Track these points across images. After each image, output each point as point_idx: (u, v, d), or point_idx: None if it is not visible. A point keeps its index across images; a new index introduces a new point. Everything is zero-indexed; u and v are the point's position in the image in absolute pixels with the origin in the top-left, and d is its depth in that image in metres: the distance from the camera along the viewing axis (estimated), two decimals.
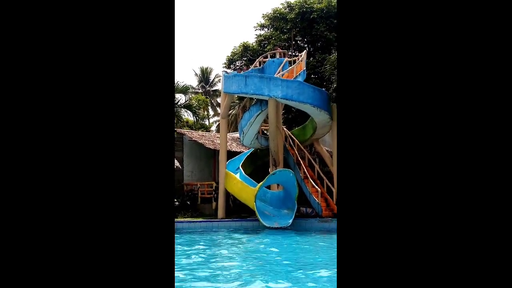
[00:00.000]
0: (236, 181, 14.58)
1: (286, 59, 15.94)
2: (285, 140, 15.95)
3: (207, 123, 30.28)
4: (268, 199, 14.45)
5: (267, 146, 15.42)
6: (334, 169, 15.02)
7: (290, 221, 12.86)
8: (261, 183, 13.28)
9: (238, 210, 15.59)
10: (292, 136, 16.38)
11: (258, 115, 14.81)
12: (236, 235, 11.66)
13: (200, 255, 8.01)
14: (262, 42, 21.58)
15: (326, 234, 11.45)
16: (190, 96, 24.63)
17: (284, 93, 13.59)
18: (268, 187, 14.91)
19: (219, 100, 29.57)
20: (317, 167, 15.22)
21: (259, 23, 21.80)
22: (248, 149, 17.39)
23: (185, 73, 57.77)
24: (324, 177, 14.51)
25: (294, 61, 15.67)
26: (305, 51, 16.71)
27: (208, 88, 33.86)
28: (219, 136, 16.80)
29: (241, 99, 19.60)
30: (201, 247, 9.31)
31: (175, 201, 15.67)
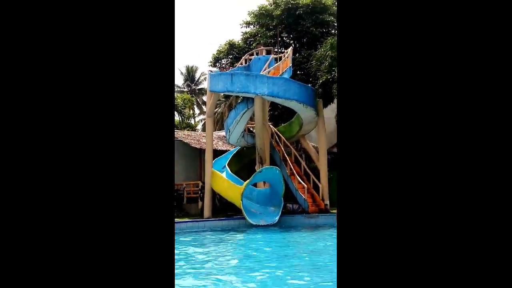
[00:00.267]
0: (222, 180, 14.42)
1: (272, 56, 15.83)
2: (271, 137, 15.84)
3: (192, 122, 30.05)
4: (255, 197, 14.33)
5: (254, 143, 15.28)
6: (320, 165, 14.96)
7: (277, 218, 12.75)
8: (247, 181, 13.15)
9: (224, 209, 15.43)
10: (279, 133, 16.28)
11: (245, 113, 14.69)
12: (224, 235, 11.50)
13: (190, 258, 7.83)
14: (248, 39, 21.45)
15: (313, 229, 11.37)
16: (176, 95, 24.41)
17: (270, 90, 13.48)
18: (255, 185, 14.78)
19: (204, 98, 29.40)
20: (303, 163, 15.14)
21: (245, 20, 21.66)
22: (234, 147, 17.25)
23: None
24: (311, 173, 14.44)
25: (280, 58, 15.57)
26: (291, 47, 16.62)
27: (194, 87, 33.66)
28: (205, 135, 16.62)
29: (227, 97, 19.46)
30: (191, 249, 9.13)
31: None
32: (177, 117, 23.94)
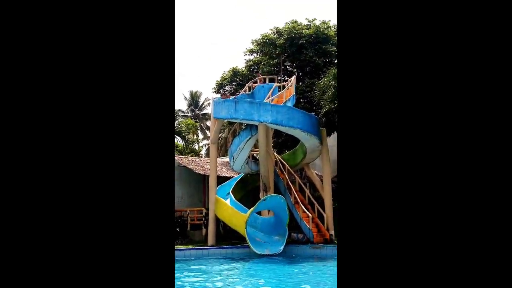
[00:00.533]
0: (226, 207, 14.41)
1: (275, 84, 16.07)
2: (275, 164, 15.91)
3: (196, 147, 30.17)
4: (259, 225, 14.28)
5: (258, 171, 15.34)
6: (324, 194, 14.96)
7: (282, 247, 12.68)
8: (251, 209, 13.14)
9: (228, 236, 15.36)
10: (283, 161, 16.35)
11: (248, 140, 14.80)
12: (228, 265, 11.43)
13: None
14: (252, 67, 21.79)
15: (319, 260, 11.29)
16: (179, 120, 24.59)
17: (274, 118, 13.63)
18: (259, 213, 14.75)
19: (208, 123, 29.59)
20: (307, 192, 15.15)
21: (248, 48, 22.06)
22: (238, 174, 17.29)
23: (174, 97, 57.88)
24: (315, 202, 14.42)
25: (284, 86, 15.80)
26: (294, 76, 16.89)
27: (198, 112, 33.92)
28: (208, 161, 16.69)
29: (231, 123, 19.63)
30: (194, 279, 9.08)
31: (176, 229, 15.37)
32: (181, 142, 24.06)
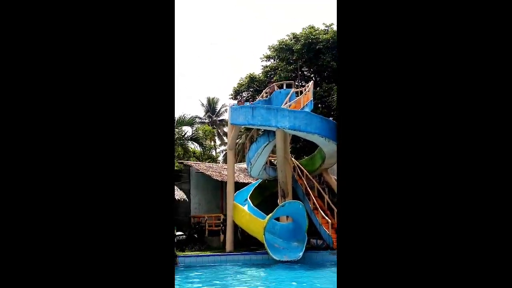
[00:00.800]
0: (244, 213, 14.37)
1: (293, 89, 16.02)
2: (293, 170, 15.81)
3: (213, 153, 30.29)
4: (278, 232, 14.18)
5: (275, 176, 15.27)
6: None
7: (301, 254, 12.55)
8: (270, 215, 13.06)
9: (246, 242, 15.29)
10: (301, 167, 16.24)
11: (266, 146, 14.76)
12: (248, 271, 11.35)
13: None
14: (269, 73, 21.80)
15: None
16: (197, 127, 24.76)
17: (291, 123, 13.56)
18: (277, 219, 14.66)
19: (225, 129, 29.70)
20: (326, 197, 14.99)
21: (265, 54, 22.09)
22: (256, 180, 17.25)
23: (192, 103, 58.49)
24: (334, 208, 14.25)
25: (301, 92, 15.73)
26: (312, 81, 16.82)
27: (215, 118, 34.10)
28: (226, 167, 16.71)
29: (248, 129, 19.64)
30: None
31: (182, 235, 15.40)
32: (198, 149, 24.17)
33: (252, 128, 17.50)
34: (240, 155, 22.74)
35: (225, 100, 33.97)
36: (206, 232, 16.76)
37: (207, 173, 17.87)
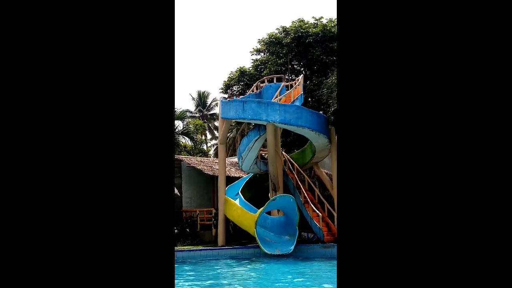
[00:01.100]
0: (235, 207, 14.43)
1: (283, 83, 16.03)
2: (284, 164, 15.88)
3: (204, 147, 30.24)
4: (269, 225, 14.27)
5: (266, 170, 15.33)
6: (334, 193, 14.90)
7: (292, 247, 12.65)
8: (261, 209, 13.13)
9: (238, 236, 15.37)
10: (291, 160, 16.31)
11: (257, 140, 14.79)
12: (239, 265, 11.43)
13: None
14: (259, 66, 21.78)
15: (331, 260, 11.24)
16: (188, 121, 24.69)
17: (282, 117, 13.60)
18: (269, 213, 14.75)
19: (216, 123, 29.63)
20: (317, 191, 15.10)
21: (255, 48, 22.04)
22: (247, 174, 17.29)
23: (182, 97, 58.18)
24: (325, 201, 14.38)
25: (291, 85, 15.76)
26: (302, 75, 16.83)
27: (206, 112, 33.99)
28: (217, 161, 16.72)
29: (239, 123, 19.63)
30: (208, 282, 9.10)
31: (175, 229, 15.43)
32: (189, 143, 24.13)
33: (243, 122, 17.49)
34: (231, 149, 22.73)
35: (215, 94, 33.92)
36: (198, 227, 16.81)
37: (198, 167, 17.86)
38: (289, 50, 20.11)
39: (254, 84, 17.06)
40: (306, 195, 14.61)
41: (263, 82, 16.79)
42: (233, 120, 16.75)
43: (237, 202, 14.82)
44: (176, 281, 8.15)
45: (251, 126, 16.76)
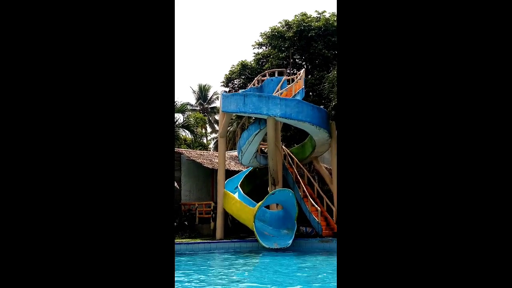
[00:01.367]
0: (234, 201, 14.41)
1: (284, 77, 15.96)
2: (284, 158, 15.84)
3: (204, 141, 30.22)
4: (268, 219, 14.26)
5: (266, 164, 15.30)
6: (333, 187, 14.87)
7: (290, 241, 12.65)
8: (260, 203, 13.11)
9: (236, 230, 15.37)
10: (291, 155, 16.28)
11: (257, 134, 14.74)
12: (237, 259, 11.43)
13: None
14: (260, 60, 21.67)
15: (329, 254, 11.24)
16: (188, 114, 24.65)
17: (283, 111, 13.55)
18: (268, 207, 14.73)
19: (217, 117, 29.59)
20: (316, 185, 15.08)
21: (257, 41, 21.92)
22: (246, 168, 17.26)
23: (183, 90, 58.10)
24: (324, 196, 14.36)
25: (293, 80, 15.68)
26: (303, 69, 16.75)
27: (206, 106, 33.94)
28: (217, 155, 16.69)
29: (239, 117, 19.58)
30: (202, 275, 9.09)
31: (175, 223, 15.44)
32: (189, 136, 24.10)
33: (244, 116, 17.44)
34: (231, 143, 22.70)
35: (216, 88, 33.85)
36: (197, 220, 16.81)
37: (198, 160, 17.84)
38: (291, 44, 20.00)
39: (256, 78, 16.99)
40: (305, 189, 14.58)
41: (264, 76, 16.71)
42: (234, 114, 16.71)
43: (236, 195, 14.80)
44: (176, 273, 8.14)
45: (251, 120, 16.71)
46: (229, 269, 9.79)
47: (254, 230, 12.76)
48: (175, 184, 16.68)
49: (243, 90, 16.95)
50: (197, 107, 33.62)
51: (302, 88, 15.31)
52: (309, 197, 14.21)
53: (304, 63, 20.75)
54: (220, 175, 15.17)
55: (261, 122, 14.57)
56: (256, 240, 12.77)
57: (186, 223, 16.38)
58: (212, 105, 33.92)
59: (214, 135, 31.49)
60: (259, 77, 16.85)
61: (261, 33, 21.64)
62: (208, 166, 17.53)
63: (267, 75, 16.64)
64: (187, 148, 21.89)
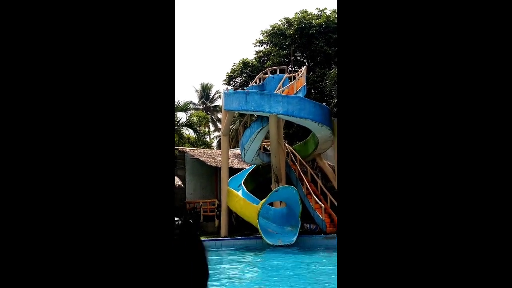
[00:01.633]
0: (238, 199, 14.50)
1: (286, 75, 16.00)
2: (287, 156, 15.90)
3: (208, 139, 30.30)
4: (271, 216, 14.34)
5: (269, 162, 15.37)
6: (337, 184, 14.90)
7: (294, 238, 12.73)
8: (263, 200, 13.19)
9: (240, 227, 15.47)
10: (294, 152, 16.34)
11: (259, 131, 14.80)
12: (242, 255, 11.51)
13: None
14: (262, 58, 21.72)
15: (333, 251, 11.31)
16: (191, 113, 24.73)
17: (285, 109, 13.60)
18: (271, 204, 14.81)
19: (219, 115, 29.65)
20: (320, 182, 15.14)
21: (258, 39, 21.96)
22: (249, 165, 17.34)
23: (185, 89, 58.11)
24: (328, 193, 14.42)
25: (294, 77, 15.72)
26: (305, 66, 16.80)
27: (209, 104, 34.01)
28: (220, 153, 16.77)
29: (241, 114, 19.64)
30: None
31: (178, 220, 15.55)
32: (193, 135, 24.20)
33: (246, 114, 17.50)
34: (234, 140, 22.77)
35: (218, 86, 33.88)
36: (201, 218, 16.92)
37: (201, 159, 17.93)
38: (292, 42, 20.03)
39: (257, 76, 17.03)
40: (308, 186, 14.65)
41: (266, 73, 16.76)
42: (236, 112, 16.76)
43: (239, 193, 14.88)
44: None
45: (253, 118, 16.77)
46: (233, 265, 9.88)
47: (258, 227, 12.85)
48: (180, 182, 16.79)
49: (245, 88, 17.01)
50: (200, 105, 33.70)
51: (304, 86, 15.35)
52: (312, 194, 14.28)
53: (305, 60, 20.78)
54: (224, 173, 15.26)
55: (263, 119, 14.63)
56: (260, 237, 12.86)
57: (191, 221, 16.48)
58: (215, 104, 33.98)
59: (217, 133, 31.55)
60: (260, 75, 16.90)
61: (262, 31, 21.70)
62: (211, 164, 17.62)
63: (269, 72, 16.69)
64: (191, 147, 21.98)
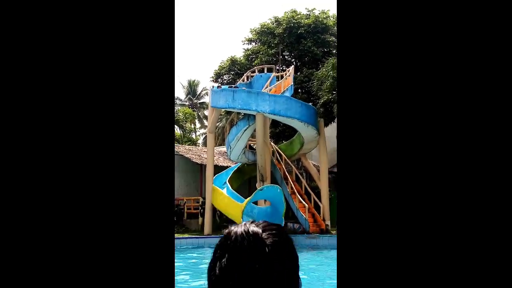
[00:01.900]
0: (223, 196, 14.47)
1: (273, 74, 16.02)
2: (272, 154, 15.93)
3: (193, 136, 30.15)
4: (255, 215, 14.34)
5: (254, 161, 15.37)
6: (321, 184, 15.02)
7: None
8: (248, 198, 13.20)
9: (225, 225, 15.44)
10: (280, 151, 16.38)
11: (246, 130, 14.80)
12: None
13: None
14: (250, 56, 21.69)
15: (315, 251, 11.39)
16: (177, 109, 24.55)
17: (271, 108, 13.62)
18: (256, 203, 14.83)
19: (206, 112, 29.55)
20: (304, 182, 15.21)
21: (247, 37, 21.93)
22: (235, 163, 17.32)
23: None
24: (311, 192, 14.49)
25: (282, 76, 15.75)
26: (292, 66, 16.84)
27: (195, 101, 33.84)
28: (206, 150, 16.71)
29: (228, 112, 19.60)
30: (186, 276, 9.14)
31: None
32: (178, 131, 24.05)
33: (233, 112, 17.46)
34: (220, 138, 22.70)
35: (206, 83, 33.76)
36: (185, 215, 16.83)
37: (186, 156, 17.84)
38: (281, 41, 20.06)
39: (245, 74, 17.01)
40: (293, 186, 14.70)
41: (253, 72, 16.75)
42: (223, 110, 16.71)
43: (224, 191, 14.85)
44: None
45: (240, 116, 16.75)
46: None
47: None
48: None
49: (232, 85, 16.98)
50: (186, 102, 33.50)
51: (291, 85, 15.39)
52: (296, 193, 14.34)
53: (293, 60, 20.83)
54: (209, 171, 15.20)
55: (250, 118, 14.62)
56: None
57: (174, 218, 16.41)
58: (202, 100, 33.83)
59: (203, 130, 31.43)
60: (248, 73, 16.88)
61: (251, 29, 21.67)
62: (196, 161, 17.55)
63: (257, 71, 16.68)
64: (176, 144, 21.84)
